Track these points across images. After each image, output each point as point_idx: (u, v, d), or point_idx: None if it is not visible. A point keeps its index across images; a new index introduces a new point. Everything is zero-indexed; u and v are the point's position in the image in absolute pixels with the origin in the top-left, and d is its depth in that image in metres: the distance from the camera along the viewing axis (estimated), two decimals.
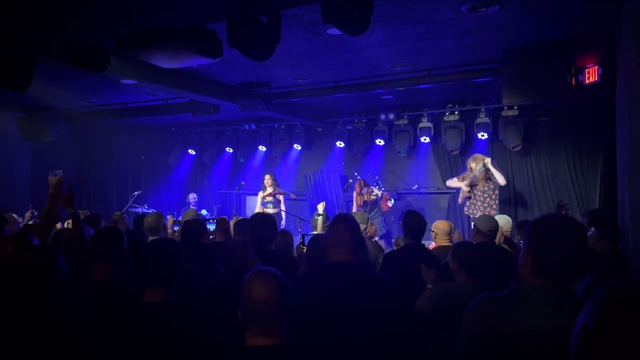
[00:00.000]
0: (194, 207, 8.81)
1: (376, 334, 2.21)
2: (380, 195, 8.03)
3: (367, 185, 8.11)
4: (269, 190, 8.56)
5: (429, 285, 3.18)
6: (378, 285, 2.35)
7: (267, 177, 8.63)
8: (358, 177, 8.21)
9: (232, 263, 3.03)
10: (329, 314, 2.21)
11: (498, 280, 3.02)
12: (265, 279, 1.73)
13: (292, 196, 8.87)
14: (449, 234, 4.45)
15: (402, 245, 3.92)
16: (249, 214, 9.08)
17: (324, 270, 2.45)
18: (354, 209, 8.01)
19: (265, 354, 1.69)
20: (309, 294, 2.24)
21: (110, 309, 2.33)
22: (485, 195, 7.01)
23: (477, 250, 3.15)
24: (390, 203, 8.05)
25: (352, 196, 8.51)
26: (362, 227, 5.52)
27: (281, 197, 8.68)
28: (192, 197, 9.95)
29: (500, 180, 6.92)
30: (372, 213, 7.94)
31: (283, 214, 8.59)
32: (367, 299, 2.26)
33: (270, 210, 8.43)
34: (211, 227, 5.74)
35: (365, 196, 8.03)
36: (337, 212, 7.93)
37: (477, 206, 7.00)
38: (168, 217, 6.58)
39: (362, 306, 2.23)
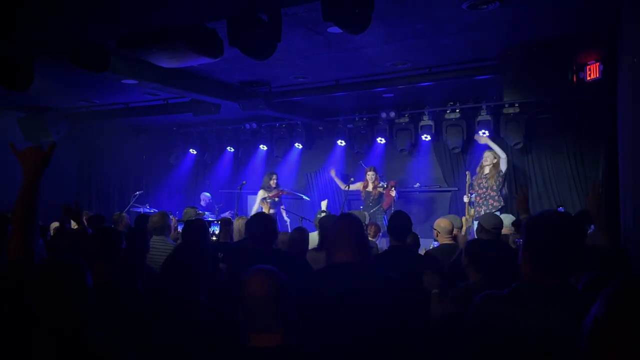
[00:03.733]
0: (197, 207, 8.78)
1: (385, 333, 2.18)
2: (384, 187, 8.03)
3: (375, 171, 8.18)
4: (275, 192, 8.54)
5: (435, 290, 3.12)
6: (385, 285, 2.32)
7: (273, 176, 8.62)
8: (365, 166, 8.39)
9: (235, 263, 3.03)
10: (336, 316, 2.19)
11: (507, 277, 3.00)
12: (261, 275, 1.76)
13: (305, 198, 8.89)
14: (451, 232, 4.44)
15: (387, 247, 3.87)
16: (249, 213, 9.07)
17: (329, 272, 2.41)
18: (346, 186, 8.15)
19: (268, 355, 1.69)
20: (315, 296, 2.22)
21: (116, 309, 2.34)
22: (487, 193, 7.09)
23: (491, 247, 3.11)
24: (393, 192, 8.02)
25: (354, 193, 8.51)
26: None
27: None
28: (205, 196, 9.91)
29: (501, 153, 7.25)
30: (375, 209, 7.93)
31: (283, 212, 8.60)
32: (375, 299, 2.23)
33: (267, 209, 8.43)
34: (215, 228, 5.75)
35: (371, 185, 8.06)
36: (338, 211, 7.94)
37: (480, 205, 7.09)
38: (171, 217, 6.58)
39: (370, 306, 2.21)
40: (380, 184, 8.10)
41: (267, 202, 8.45)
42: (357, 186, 8.32)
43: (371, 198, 8.08)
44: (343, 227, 2.40)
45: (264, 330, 1.71)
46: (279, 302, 1.72)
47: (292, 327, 1.76)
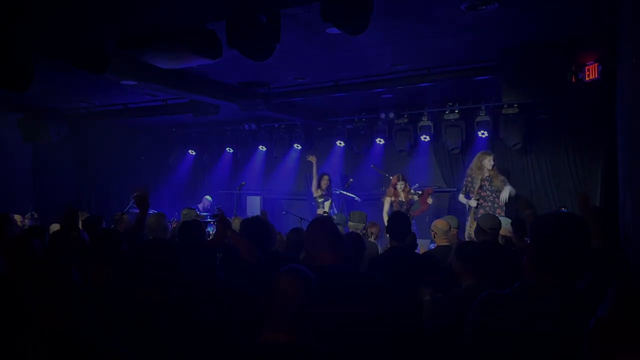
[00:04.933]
0: (195, 208, 8.78)
1: (365, 333, 2.19)
2: (420, 194, 7.64)
3: (404, 179, 7.73)
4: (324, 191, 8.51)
5: (427, 297, 3.09)
6: (362, 284, 2.34)
7: (325, 177, 8.53)
8: (389, 177, 7.94)
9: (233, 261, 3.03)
10: (316, 317, 2.19)
11: (505, 279, 2.98)
12: (293, 275, 1.81)
13: (357, 199, 8.79)
14: (448, 233, 4.43)
15: (387, 248, 3.86)
16: (249, 214, 9.08)
17: None
18: (386, 207, 7.66)
19: (278, 351, 1.72)
20: None
21: (114, 310, 2.34)
22: (494, 195, 7.10)
23: (484, 249, 3.08)
24: (430, 200, 7.61)
25: (355, 193, 8.47)
26: (361, 226, 5.48)
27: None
28: (206, 200, 9.89)
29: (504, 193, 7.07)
30: None
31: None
32: (354, 299, 2.24)
33: (321, 210, 8.41)
34: (211, 229, 5.75)
35: (402, 194, 7.64)
36: (337, 212, 7.94)
37: (486, 209, 7.06)
38: (172, 221, 6.61)
39: (349, 306, 2.22)
40: (413, 191, 7.67)
41: (321, 203, 8.43)
42: (387, 201, 7.76)
43: (404, 207, 7.59)
44: (315, 231, 2.44)
45: (279, 327, 1.75)
46: (303, 303, 1.77)
47: (306, 327, 1.79)
